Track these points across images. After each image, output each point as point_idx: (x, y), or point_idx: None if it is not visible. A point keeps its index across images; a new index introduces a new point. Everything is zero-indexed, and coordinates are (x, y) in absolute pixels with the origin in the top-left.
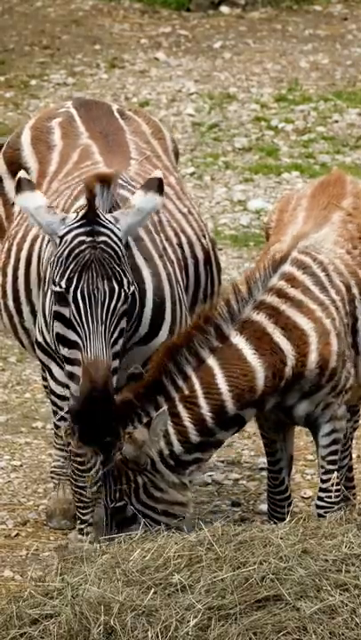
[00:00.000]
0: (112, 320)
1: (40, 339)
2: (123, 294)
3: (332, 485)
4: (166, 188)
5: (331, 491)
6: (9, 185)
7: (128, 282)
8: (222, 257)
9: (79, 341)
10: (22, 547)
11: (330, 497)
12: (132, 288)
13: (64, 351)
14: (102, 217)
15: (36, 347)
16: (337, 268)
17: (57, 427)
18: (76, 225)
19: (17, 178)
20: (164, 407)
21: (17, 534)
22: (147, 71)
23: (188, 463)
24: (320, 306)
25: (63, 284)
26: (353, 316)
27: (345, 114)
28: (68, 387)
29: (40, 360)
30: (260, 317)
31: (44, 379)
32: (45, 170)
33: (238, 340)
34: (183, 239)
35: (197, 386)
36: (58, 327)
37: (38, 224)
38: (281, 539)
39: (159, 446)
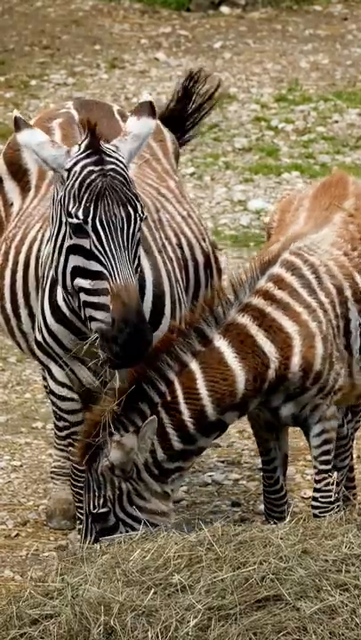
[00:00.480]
0: (132, 245)
1: (40, 338)
2: (138, 219)
3: (326, 485)
4: (166, 192)
5: (325, 490)
6: (9, 185)
7: (141, 206)
8: (222, 257)
9: (104, 270)
10: (22, 547)
11: (324, 497)
12: (145, 212)
13: (85, 282)
14: (105, 146)
15: (35, 346)
16: (329, 270)
17: (57, 427)
18: (82, 156)
19: (13, 117)
20: (153, 416)
21: (17, 534)
22: (147, 71)
23: (171, 471)
24: (307, 308)
25: (80, 214)
26: (345, 318)
27: (345, 114)
28: (68, 387)
29: (39, 360)
30: (244, 320)
31: (45, 378)
32: (45, 172)
33: (221, 344)
34: (183, 241)
35: (179, 391)
36: (76, 260)
37: (42, 159)
38: (281, 539)
39: (146, 454)
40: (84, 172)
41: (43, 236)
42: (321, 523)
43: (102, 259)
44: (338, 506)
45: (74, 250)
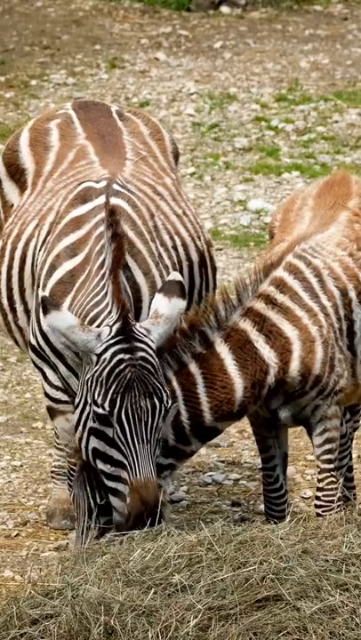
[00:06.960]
0: (155, 436)
1: (34, 341)
2: (163, 409)
3: (329, 484)
4: (161, 190)
5: (328, 489)
6: (8, 186)
7: (167, 395)
8: (222, 257)
9: (125, 461)
10: (22, 547)
11: (327, 495)
12: (170, 401)
13: (104, 467)
14: (137, 331)
15: (29, 349)
16: (333, 272)
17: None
18: (112, 342)
19: (40, 298)
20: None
21: (17, 534)
22: (147, 71)
23: (164, 467)
24: (308, 313)
25: (107, 406)
26: (349, 320)
27: (345, 114)
28: (63, 390)
29: (33, 362)
30: (245, 325)
31: None
32: (41, 170)
33: (222, 349)
34: (178, 241)
35: (178, 392)
36: (97, 444)
37: (72, 342)
38: (281, 539)
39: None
40: (114, 360)
41: (39, 233)
42: (321, 523)
43: (124, 449)
44: (338, 504)
45: (96, 433)
